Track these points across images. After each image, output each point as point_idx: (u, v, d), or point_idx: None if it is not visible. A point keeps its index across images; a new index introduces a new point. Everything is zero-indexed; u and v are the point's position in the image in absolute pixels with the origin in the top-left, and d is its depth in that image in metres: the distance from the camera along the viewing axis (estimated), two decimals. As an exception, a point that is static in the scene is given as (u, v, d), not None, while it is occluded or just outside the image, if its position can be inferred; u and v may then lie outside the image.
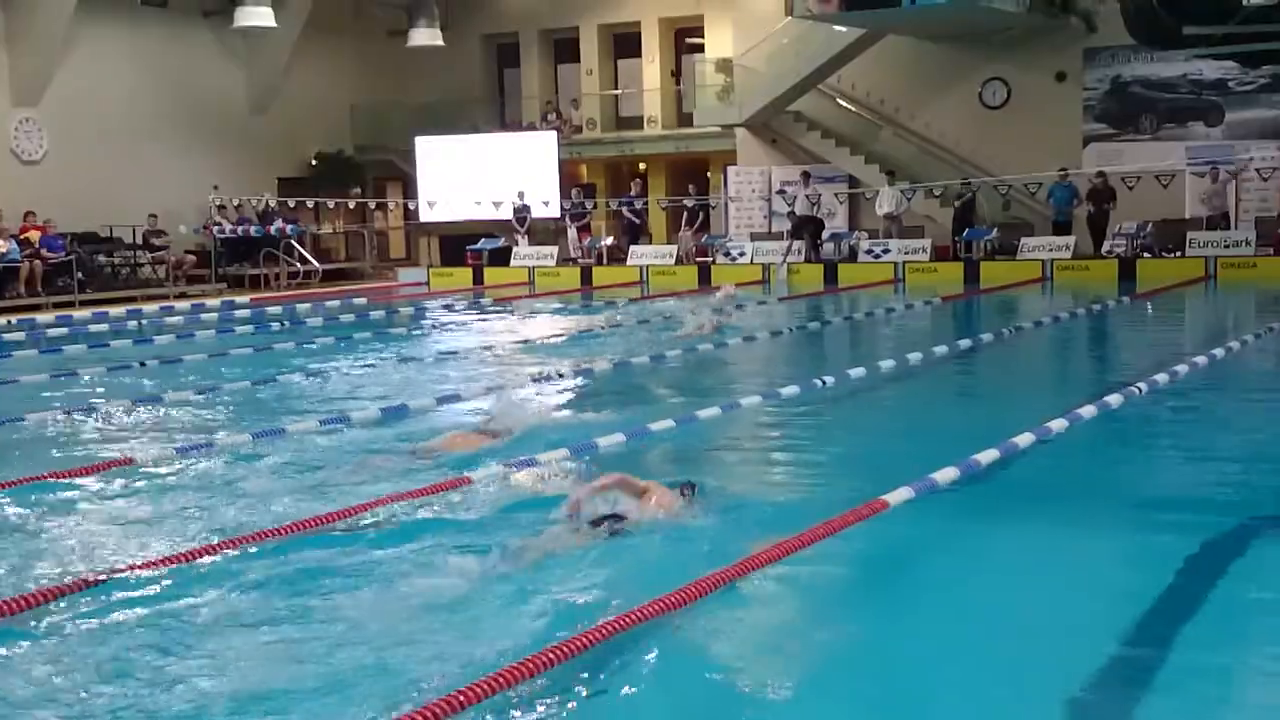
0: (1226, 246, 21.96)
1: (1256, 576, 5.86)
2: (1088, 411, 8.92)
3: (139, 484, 7.70)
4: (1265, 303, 18.67)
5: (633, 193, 28.67)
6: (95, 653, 4.97)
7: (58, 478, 7.73)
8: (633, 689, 4.61)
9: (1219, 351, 12.05)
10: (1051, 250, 23.00)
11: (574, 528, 5.85)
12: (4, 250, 22.34)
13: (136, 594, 5.60)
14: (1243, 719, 4.53)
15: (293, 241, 27.60)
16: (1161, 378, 10.36)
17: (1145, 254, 22.68)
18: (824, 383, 10.87)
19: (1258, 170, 23.58)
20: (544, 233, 28.58)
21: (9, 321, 19.03)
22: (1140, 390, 9.84)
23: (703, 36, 30.47)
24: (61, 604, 5.40)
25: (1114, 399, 9.45)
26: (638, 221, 28.07)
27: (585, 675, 4.53)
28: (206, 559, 5.98)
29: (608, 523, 5.86)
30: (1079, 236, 23.52)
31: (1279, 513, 6.91)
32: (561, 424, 9.30)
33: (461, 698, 3.91)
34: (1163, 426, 9.33)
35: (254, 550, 6.12)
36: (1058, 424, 8.39)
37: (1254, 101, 24.73)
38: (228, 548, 6.12)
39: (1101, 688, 4.61)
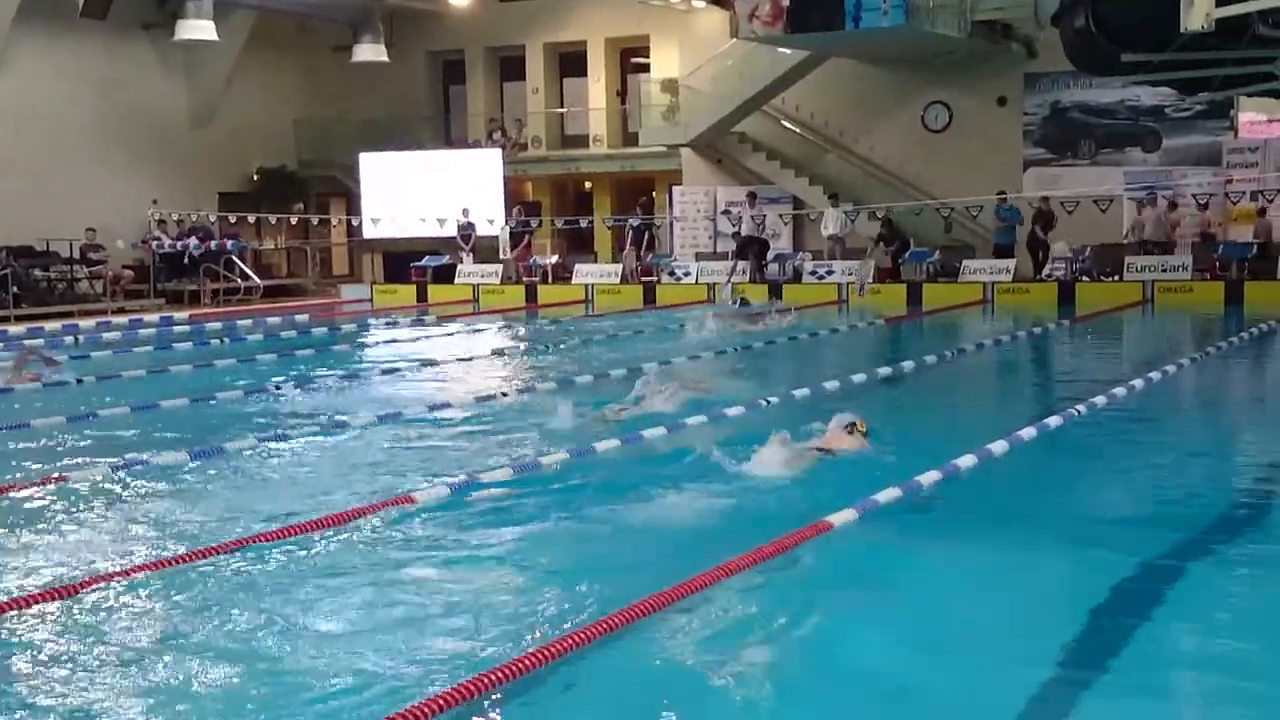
0: (1164, 271, 22.28)
1: (1192, 596, 5.93)
2: (1028, 433, 9.01)
3: (71, 501, 7.57)
4: (1201, 326, 18.93)
5: (639, 210, 28.00)
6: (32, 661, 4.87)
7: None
8: (585, 701, 4.66)
9: (1156, 374, 12.19)
10: (992, 273, 23.22)
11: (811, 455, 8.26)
12: (-63, 263, 21.99)
13: (74, 610, 5.50)
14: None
15: (234, 257, 27.32)
16: (1100, 400, 10.48)
17: (1084, 277, 22.96)
18: (767, 402, 10.89)
19: (1194, 196, 23.96)
20: (488, 250, 28.49)
21: (-59, 336, 18.69)
22: (1080, 412, 9.95)
23: (648, 57, 30.55)
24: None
25: (1054, 420, 9.56)
26: (650, 235, 26.90)
27: (539, 692, 4.51)
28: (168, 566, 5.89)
29: (819, 452, 8.32)
30: (1019, 259, 23.76)
31: (1213, 531, 6.99)
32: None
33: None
34: (1101, 448, 9.42)
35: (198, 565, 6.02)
36: (999, 445, 8.46)
37: (1190, 128, 25.15)
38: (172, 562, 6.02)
39: (1037, 705, 4.63)
